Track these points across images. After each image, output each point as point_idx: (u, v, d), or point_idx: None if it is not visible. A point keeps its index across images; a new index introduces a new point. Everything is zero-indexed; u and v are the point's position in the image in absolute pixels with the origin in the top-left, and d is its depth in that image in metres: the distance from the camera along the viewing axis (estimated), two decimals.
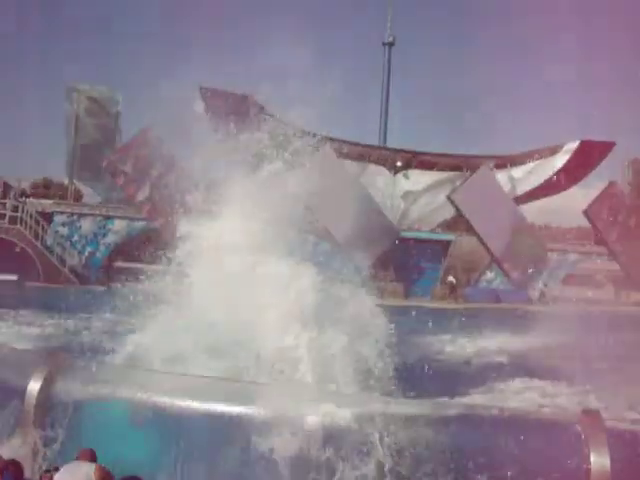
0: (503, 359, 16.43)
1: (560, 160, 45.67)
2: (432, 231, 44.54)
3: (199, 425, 6.55)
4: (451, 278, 41.12)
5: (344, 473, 5.72)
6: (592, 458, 5.12)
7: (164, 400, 6.70)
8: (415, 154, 46.91)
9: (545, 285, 41.85)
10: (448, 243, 42.19)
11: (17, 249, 36.13)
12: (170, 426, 6.65)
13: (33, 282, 32.82)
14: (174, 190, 37.67)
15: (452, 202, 42.60)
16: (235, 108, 38.33)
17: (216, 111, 39.34)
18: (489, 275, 42.95)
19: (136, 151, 37.24)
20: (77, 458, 5.38)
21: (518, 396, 11.98)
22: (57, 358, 7.24)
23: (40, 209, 36.36)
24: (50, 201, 39.42)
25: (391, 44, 56.13)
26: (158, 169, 37.57)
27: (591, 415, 5.57)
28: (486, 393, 12.02)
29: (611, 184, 45.70)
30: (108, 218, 37.21)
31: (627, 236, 44.07)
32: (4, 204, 34.58)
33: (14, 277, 32.59)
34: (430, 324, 19.35)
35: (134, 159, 37.09)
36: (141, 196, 37.42)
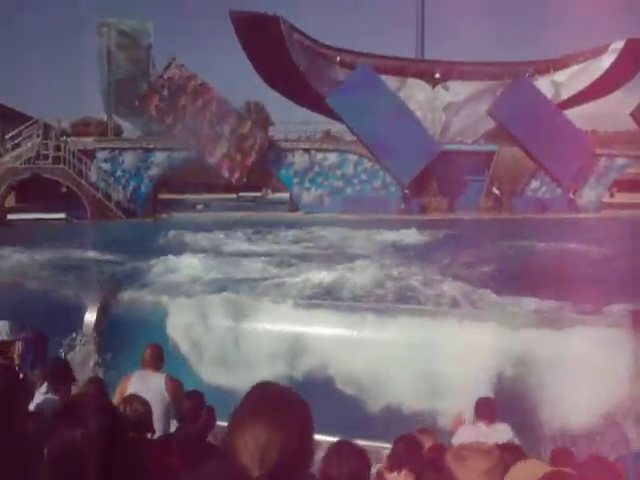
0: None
1: (606, 61, 43.89)
2: (475, 142, 43.72)
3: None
4: (495, 190, 40.54)
5: None
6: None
7: (211, 321, 6.93)
8: (454, 64, 45.68)
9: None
10: (492, 154, 41.39)
11: (63, 188, 36.81)
12: (211, 347, 6.94)
13: (81, 219, 33.49)
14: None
15: (492, 115, 41.65)
16: (266, 29, 37.70)
17: (247, 33, 38.93)
18: (534, 184, 42.16)
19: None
20: (145, 354, 5.62)
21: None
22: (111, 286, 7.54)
23: (82, 147, 36.67)
24: (91, 138, 39.67)
25: None
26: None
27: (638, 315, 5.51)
28: None
29: None
30: (149, 151, 37.31)
31: None
32: (46, 144, 34.99)
33: (62, 215, 33.34)
34: None
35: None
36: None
